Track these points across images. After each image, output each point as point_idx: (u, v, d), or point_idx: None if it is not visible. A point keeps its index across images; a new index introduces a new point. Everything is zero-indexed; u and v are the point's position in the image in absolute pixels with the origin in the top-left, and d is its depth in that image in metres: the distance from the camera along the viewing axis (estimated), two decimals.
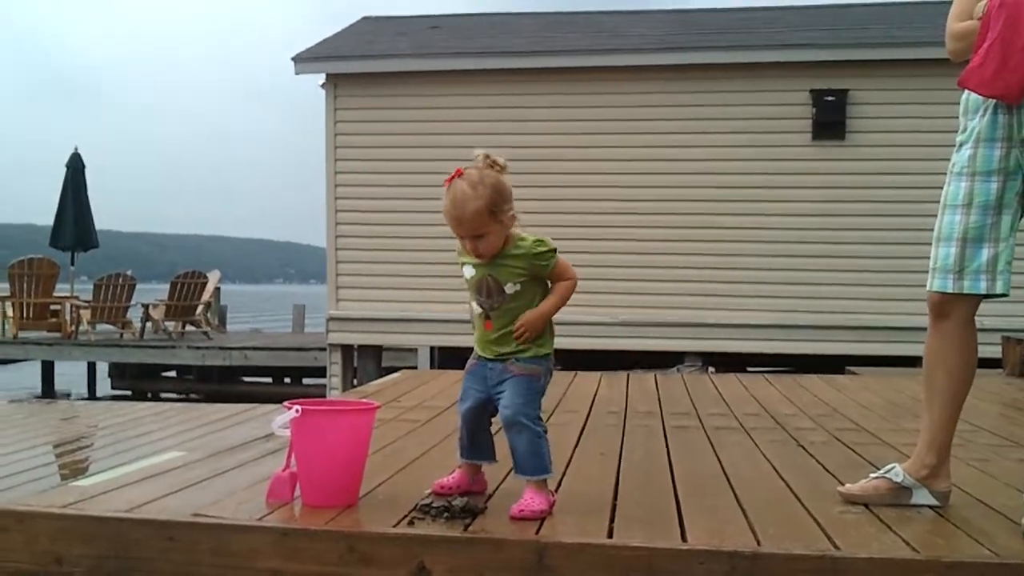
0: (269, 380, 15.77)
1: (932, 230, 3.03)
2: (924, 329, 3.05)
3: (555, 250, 2.91)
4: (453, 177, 2.85)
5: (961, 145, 2.95)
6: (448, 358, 11.42)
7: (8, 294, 15.47)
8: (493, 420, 3.04)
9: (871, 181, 11.00)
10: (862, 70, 11.10)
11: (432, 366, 11.71)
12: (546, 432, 2.91)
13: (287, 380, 15.59)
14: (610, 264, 11.27)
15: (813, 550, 2.50)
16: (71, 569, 2.78)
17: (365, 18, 15.33)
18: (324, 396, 11.69)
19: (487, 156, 2.89)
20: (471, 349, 3.06)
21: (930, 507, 2.97)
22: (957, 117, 3.02)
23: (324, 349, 12.52)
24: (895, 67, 11.01)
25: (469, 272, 2.95)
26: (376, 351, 12.44)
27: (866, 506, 2.97)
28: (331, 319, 12.14)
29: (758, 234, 11.15)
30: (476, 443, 3.07)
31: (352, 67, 12.08)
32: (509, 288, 2.88)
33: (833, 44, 11.37)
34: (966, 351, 2.95)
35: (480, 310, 2.95)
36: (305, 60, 12.14)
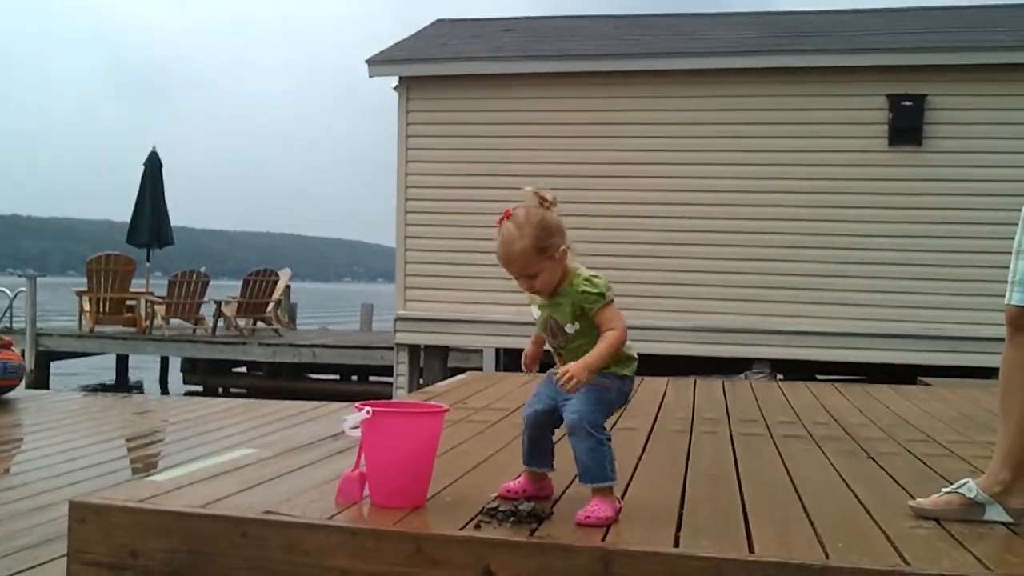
0: (336, 378, 15.95)
1: (1010, 239, 2.97)
2: (998, 340, 2.99)
3: (603, 294, 2.85)
4: (503, 218, 2.87)
5: None
6: (513, 360, 11.39)
7: (85, 289, 15.84)
8: (556, 430, 3.06)
9: (948, 188, 10.80)
10: (941, 75, 10.90)
11: (497, 367, 11.74)
12: (609, 440, 2.90)
13: (354, 378, 15.77)
14: (681, 268, 11.23)
15: (883, 565, 2.46)
16: (146, 562, 2.84)
17: (439, 21, 15.42)
18: (390, 395, 11.80)
19: (535, 192, 2.88)
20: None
21: (1003, 524, 2.90)
22: None
23: (391, 348, 12.63)
24: (975, 72, 10.79)
25: (535, 313, 2.99)
26: (442, 351, 12.51)
27: (937, 521, 2.92)
28: (399, 319, 12.24)
29: (830, 240, 11.01)
30: (537, 450, 3.07)
31: (425, 70, 12.17)
32: (569, 328, 2.90)
33: (911, 48, 11.18)
34: None
35: (552, 348, 2.99)
36: (379, 63, 12.25)
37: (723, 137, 11.35)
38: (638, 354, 2.99)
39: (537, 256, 2.81)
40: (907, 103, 10.89)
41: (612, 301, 2.86)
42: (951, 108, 10.89)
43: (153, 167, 17.40)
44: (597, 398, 2.88)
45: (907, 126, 10.89)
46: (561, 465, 3.13)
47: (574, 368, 2.77)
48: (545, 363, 3.10)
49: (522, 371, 3.13)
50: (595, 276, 2.88)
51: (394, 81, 12.23)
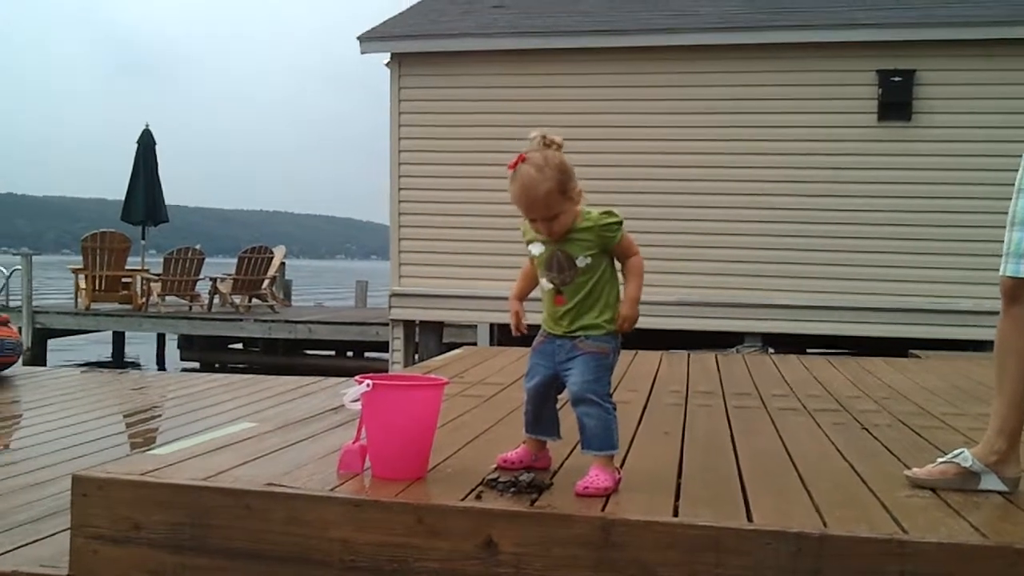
0: (332, 353, 15.97)
1: (1000, 214, 2.99)
2: (989, 313, 3.02)
3: (622, 222, 2.92)
4: (516, 162, 2.85)
5: None
6: (508, 335, 11.44)
7: (81, 266, 15.83)
8: (559, 397, 3.08)
9: (937, 163, 10.81)
10: (931, 50, 10.89)
11: (492, 343, 11.77)
12: (615, 408, 2.93)
13: (349, 354, 15.79)
14: (671, 244, 11.23)
15: (880, 533, 2.50)
16: (148, 535, 2.86)
17: None
18: (386, 370, 11.82)
19: (544, 136, 2.89)
20: (531, 327, 3.09)
21: (999, 493, 2.94)
22: None
23: (386, 324, 12.65)
24: (964, 47, 10.77)
25: (537, 249, 2.97)
26: (437, 327, 12.54)
27: (933, 490, 2.95)
28: (393, 295, 12.25)
29: (821, 215, 11.02)
30: (541, 419, 3.11)
31: (416, 46, 12.12)
32: (580, 262, 2.89)
33: (901, 23, 11.15)
34: None
35: (551, 286, 2.97)
36: (370, 39, 12.21)
37: (713, 113, 11.33)
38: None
39: (560, 198, 2.82)
40: (896, 79, 10.89)
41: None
42: (940, 83, 10.88)
43: (146, 145, 17.36)
44: (598, 365, 2.90)
45: (896, 101, 10.88)
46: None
47: (627, 311, 2.90)
48: (530, 328, 3.11)
49: (515, 336, 3.13)
50: (609, 212, 2.93)
51: (386, 58, 12.20)
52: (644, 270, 2.95)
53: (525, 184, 2.82)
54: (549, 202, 2.81)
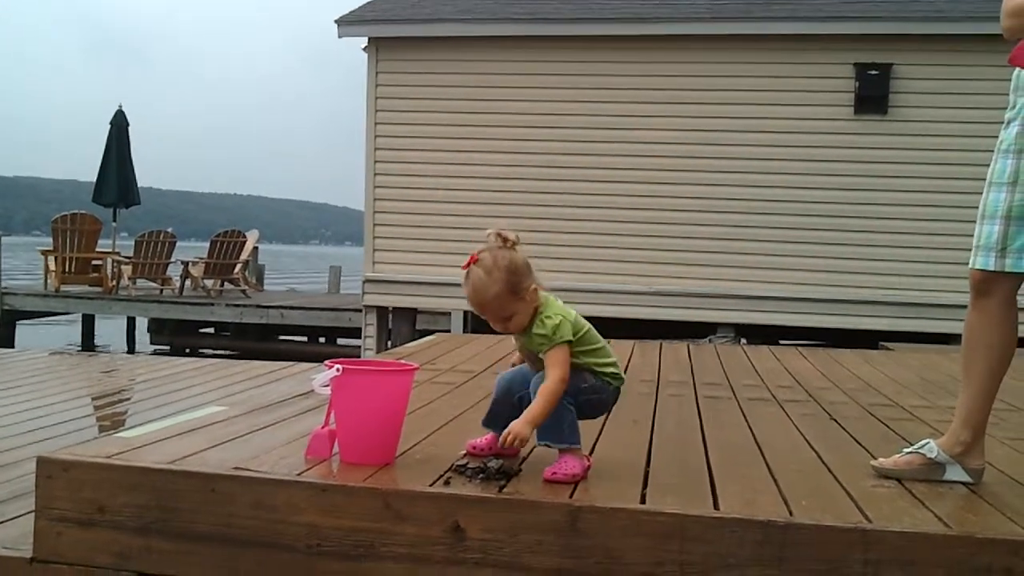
0: (304, 339, 15.91)
1: (972, 207, 3.01)
2: (959, 307, 3.04)
3: (550, 337, 2.81)
4: (469, 263, 2.90)
5: (1009, 122, 2.92)
6: (480, 322, 11.46)
7: (51, 248, 15.68)
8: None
9: (913, 156, 10.90)
10: (907, 44, 10.96)
11: (465, 330, 11.76)
12: (572, 404, 2.90)
13: (322, 340, 15.74)
14: (646, 233, 11.27)
15: (845, 522, 2.51)
16: (113, 518, 2.84)
17: None
18: (359, 356, 11.79)
19: (498, 233, 2.91)
20: None
21: (963, 483, 2.97)
22: (1004, 94, 2.99)
23: (359, 310, 12.62)
24: (941, 42, 10.86)
25: (515, 340, 3.06)
26: (410, 314, 12.52)
27: (899, 480, 2.98)
28: (367, 281, 12.22)
29: (796, 207, 11.09)
30: (501, 416, 3.05)
31: (395, 31, 12.06)
32: (544, 356, 2.88)
33: (878, 17, 11.21)
34: (1006, 330, 2.94)
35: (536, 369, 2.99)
36: (348, 23, 12.14)
37: (690, 103, 11.36)
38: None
39: (511, 299, 2.84)
40: (873, 72, 10.96)
41: (564, 342, 2.83)
42: (916, 77, 10.96)
43: (119, 126, 17.19)
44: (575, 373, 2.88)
45: (873, 95, 10.97)
46: None
47: (516, 426, 2.78)
48: None
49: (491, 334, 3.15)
50: (550, 317, 2.84)
51: (364, 42, 12.13)
52: (557, 396, 2.79)
53: (475, 287, 2.88)
54: (500, 304, 2.85)
